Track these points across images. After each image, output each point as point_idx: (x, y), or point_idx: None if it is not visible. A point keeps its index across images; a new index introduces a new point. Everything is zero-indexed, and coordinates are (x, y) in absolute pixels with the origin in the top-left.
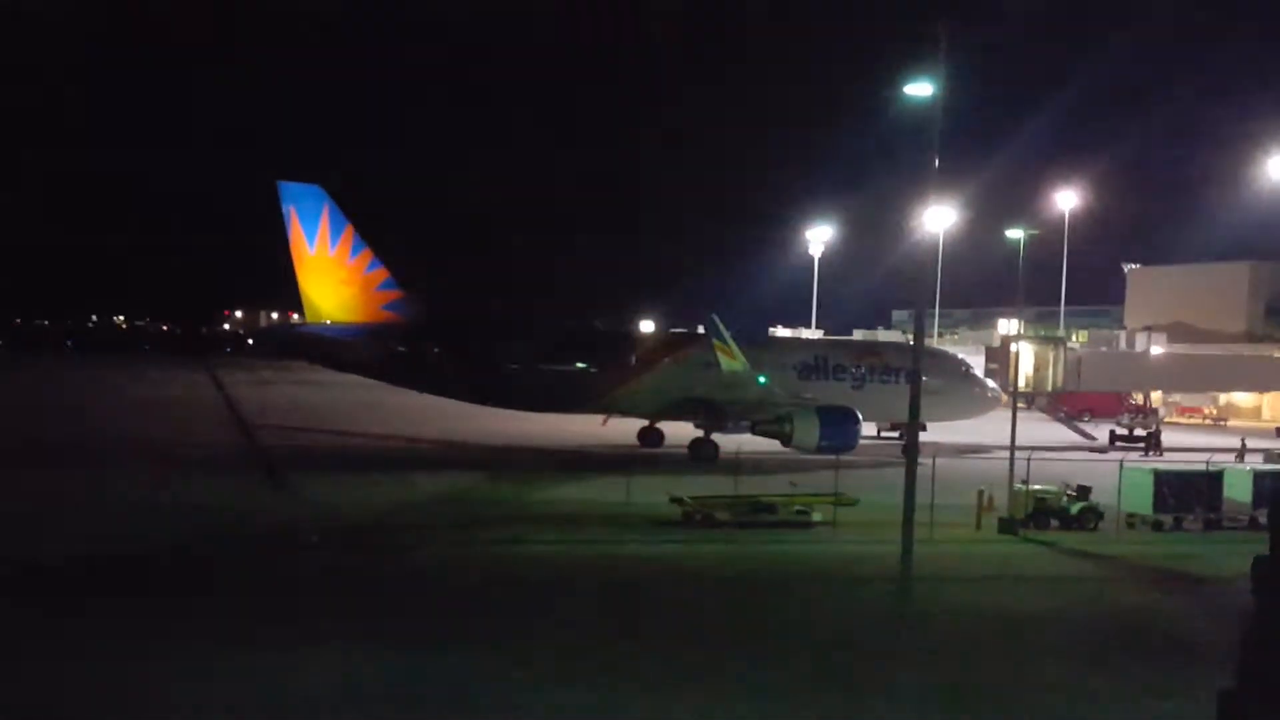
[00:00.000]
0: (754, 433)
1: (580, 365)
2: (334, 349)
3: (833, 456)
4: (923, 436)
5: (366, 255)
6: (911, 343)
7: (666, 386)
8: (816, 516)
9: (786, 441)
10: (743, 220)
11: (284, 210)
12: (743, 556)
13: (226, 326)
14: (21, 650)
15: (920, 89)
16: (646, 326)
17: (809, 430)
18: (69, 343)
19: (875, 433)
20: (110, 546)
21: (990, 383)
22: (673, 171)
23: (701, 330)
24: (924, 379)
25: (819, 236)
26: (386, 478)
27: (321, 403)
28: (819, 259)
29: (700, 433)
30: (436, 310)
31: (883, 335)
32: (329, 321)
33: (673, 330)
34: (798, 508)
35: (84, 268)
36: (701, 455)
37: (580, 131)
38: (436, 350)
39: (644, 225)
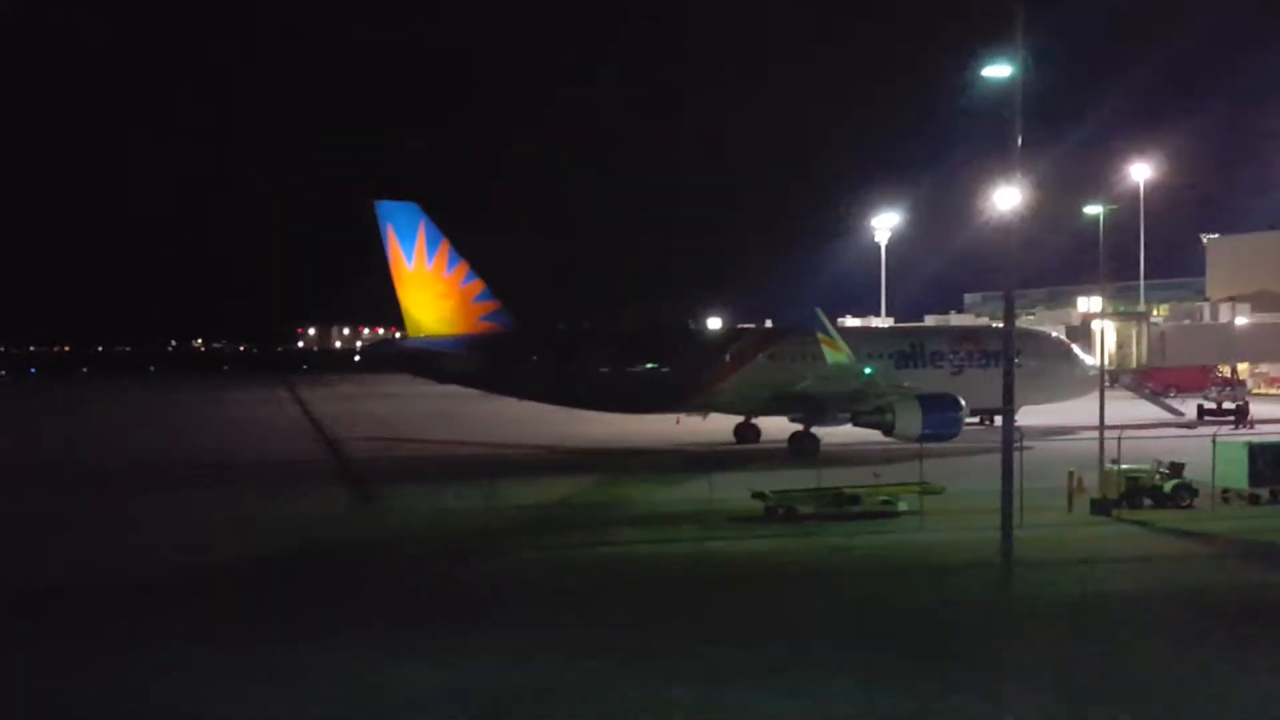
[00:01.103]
0: (855, 424)
1: (676, 365)
2: (436, 361)
3: (916, 445)
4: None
5: (463, 268)
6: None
7: (764, 382)
8: (902, 506)
9: (889, 431)
10: (806, 210)
11: (381, 228)
12: (827, 549)
13: (300, 344)
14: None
15: (998, 70)
16: (713, 323)
17: (911, 419)
18: (151, 368)
19: None
20: (223, 558)
21: (1091, 361)
22: (733, 161)
23: (770, 324)
24: (1025, 362)
25: (885, 223)
26: (475, 485)
27: (405, 415)
28: (885, 245)
29: (799, 427)
30: (532, 319)
31: (954, 320)
32: (428, 335)
33: (743, 326)
34: (882, 498)
35: (161, 294)
36: (802, 449)
37: (636, 118)
38: (535, 358)
39: (704, 218)
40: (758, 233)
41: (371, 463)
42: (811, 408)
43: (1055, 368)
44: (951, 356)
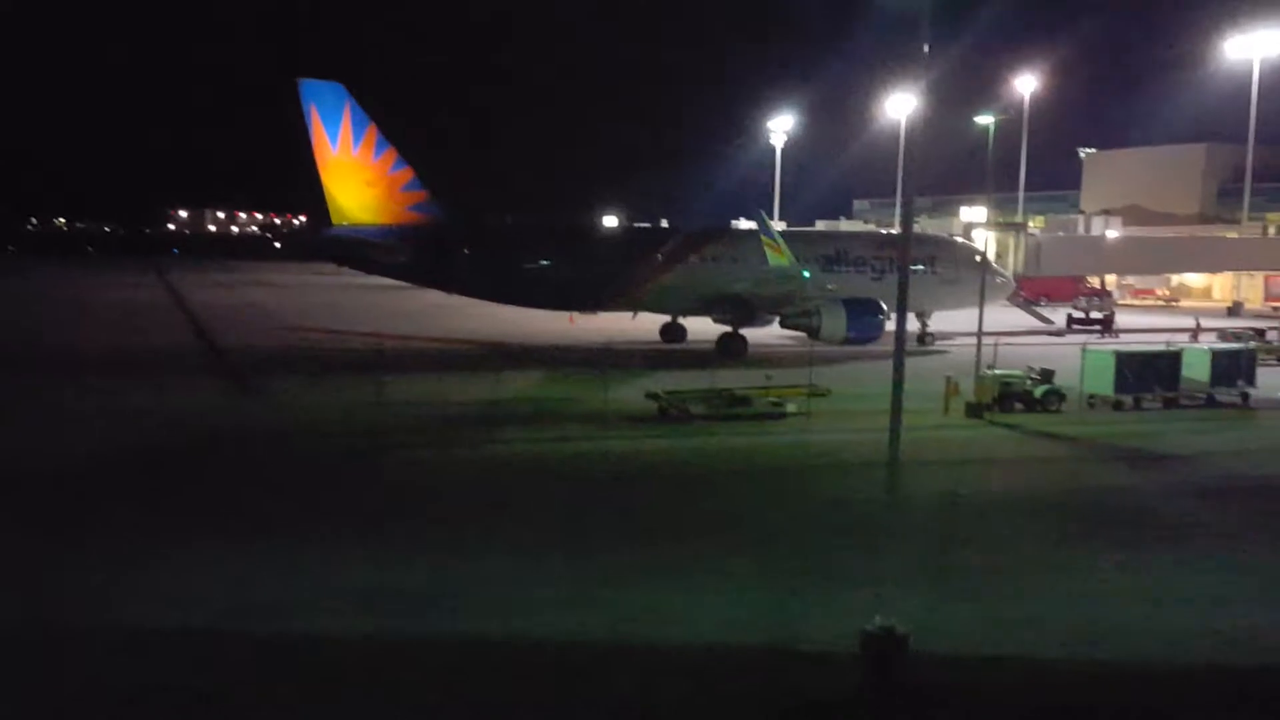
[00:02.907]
0: (782, 326)
1: (608, 263)
2: (363, 251)
3: (809, 347)
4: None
5: (390, 155)
6: (884, 231)
7: (695, 283)
8: (791, 408)
9: (814, 334)
10: (700, 111)
11: (305, 109)
12: (717, 449)
13: (171, 226)
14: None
15: None
16: (609, 221)
17: (837, 323)
18: (10, 247)
19: None
20: (106, 449)
21: (1004, 270)
22: (628, 61)
23: (666, 224)
24: (941, 269)
25: (781, 126)
26: (359, 379)
27: (292, 305)
28: (780, 150)
29: (728, 328)
30: (461, 211)
31: (844, 225)
32: (354, 224)
33: (639, 225)
34: (772, 400)
35: (19, 169)
36: (731, 350)
37: (525, 19)
38: (466, 251)
39: (597, 117)
40: (652, 133)
41: (253, 354)
42: (741, 309)
43: (969, 275)
44: (874, 262)
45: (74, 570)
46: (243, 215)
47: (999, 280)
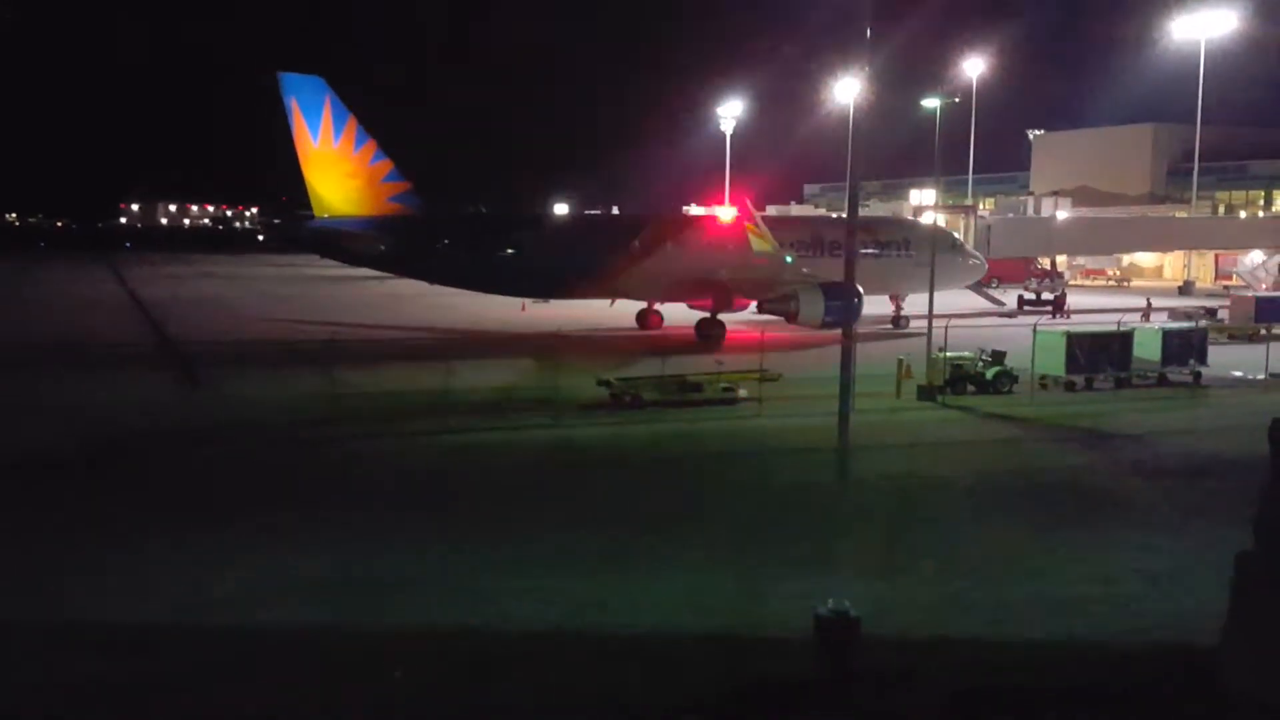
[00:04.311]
0: (760, 311)
1: (587, 251)
2: (344, 242)
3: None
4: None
5: (371, 147)
6: (832, 216)
7: (674, 269)
8: (742, 393)
9: (792, 319)
10: (650, 96)
11: (285, 103)
12: (668, 435)
13: (124, 220)
14: None
15: None
16: (561, 209)
17: (814, 307)
18: None
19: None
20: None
21: (976, 252)
22: (581, 49)
23: (616, 211)
24: (912, 253)
25: (730, 112)
26: (312, 370)
27: (243, 297)
28: (730, 135)
29: (705, 313)
30: (441, 202)
31: (795, 210)
32: (335, 215)
33: (590, 212)
34: (724, 385)
35: None
36: (710, 335)
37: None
38: (446, 241)
39: (550, 104)
40: (598, 121)
41: (205, 346)
42: (721, 294)
43: (943, 257)
44: None
45: (31, 565)
46: (195, 208)
47: (972, 263)
